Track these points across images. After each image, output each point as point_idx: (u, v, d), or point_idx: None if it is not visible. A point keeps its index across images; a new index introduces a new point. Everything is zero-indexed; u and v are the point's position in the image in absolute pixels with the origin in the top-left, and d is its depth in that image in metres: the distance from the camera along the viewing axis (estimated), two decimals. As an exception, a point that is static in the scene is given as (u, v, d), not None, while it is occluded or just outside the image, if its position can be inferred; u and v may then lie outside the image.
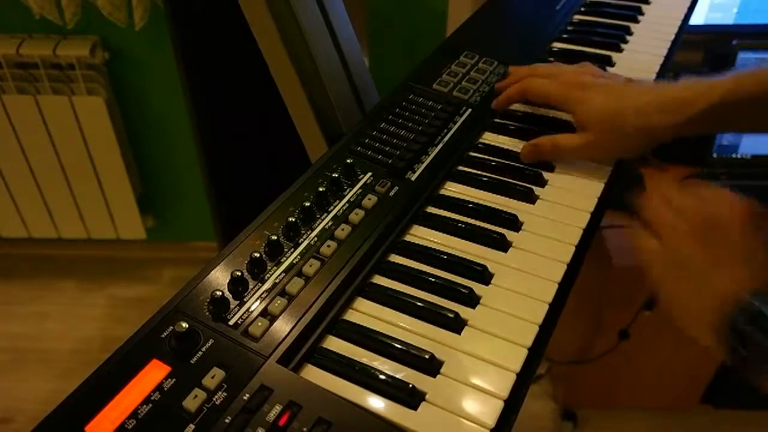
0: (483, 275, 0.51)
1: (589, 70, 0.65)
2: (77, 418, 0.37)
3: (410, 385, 0.41)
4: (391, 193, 0.56)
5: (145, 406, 0.38)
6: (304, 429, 0.37)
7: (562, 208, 0.58)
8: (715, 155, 1.34)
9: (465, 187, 0.60)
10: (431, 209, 0.57)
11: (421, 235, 0.55)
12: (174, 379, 0.40)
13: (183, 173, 1.73)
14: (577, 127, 0.62)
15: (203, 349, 0.42)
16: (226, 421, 0.38)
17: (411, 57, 1.49)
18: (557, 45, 0.81)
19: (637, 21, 0.86)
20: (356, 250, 0.50)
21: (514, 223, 0.56)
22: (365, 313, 0.48)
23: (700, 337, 0.45)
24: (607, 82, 0.62)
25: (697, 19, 1.30)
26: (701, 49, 1.34)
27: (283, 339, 0.43)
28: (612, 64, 0.78)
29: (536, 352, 0.45)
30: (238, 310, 0.45)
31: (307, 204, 0.52)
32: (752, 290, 0.42)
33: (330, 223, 0.52)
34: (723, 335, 0.42)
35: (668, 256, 0.49)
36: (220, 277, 0.47)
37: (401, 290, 0.49)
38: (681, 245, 0.48)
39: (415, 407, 0.41)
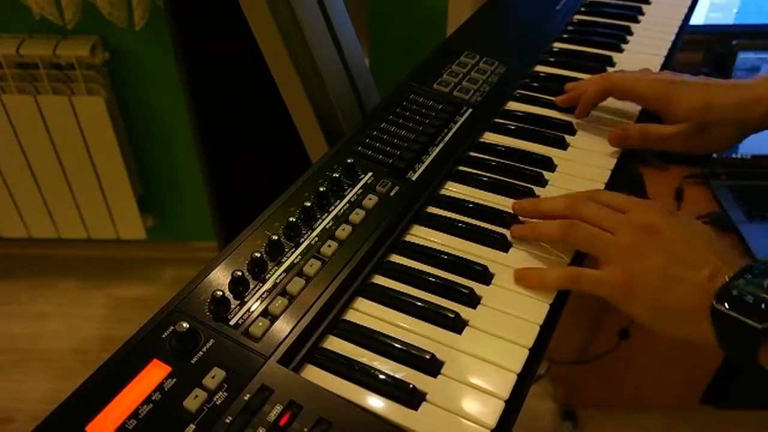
0: (484, 275, 0.51)
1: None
2: (78, 418, 0.37)
3: (411, 386, 0.41)
4: (392, 193, 0.56)
5: (145, 406, 0.38)
6: (305, 429, 0.37)
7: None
8: (715, 155, 1.34)
9: (465, 187, 0.60)
10: (432, 209, 0.57)
11: (421, 235, 0.55)
12: (174, 379, 0.40)
13: (183, 173, 1.72)
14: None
15: (204, 349, 0.42)
16: (227, 421, 0.38)
17: (411, 57, 1.48)
18: (557, 45, 0.81)
19: (637, 21, 0.86)
20: (357, 250, 0.50)
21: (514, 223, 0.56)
22: (366, 313, 0.48)
23: (694, 332, 0.44)
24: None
25: (697, 19, 1.30)
26: (701, 49, 1.34)
27: (284, 339, 0.43)
28: (612, 65, 0.78)
29: (537, 352, 0.45)
30: (239, 310, 0.45)
31: (308, 204, 0.52)
32: (730, 278, 0.43)
33: (330, 223, 0.52)
34: (715, 324, 0.43)
35: (625, 248, 0.48)
36: (220, 277, 0.47)
37: (402, 290, 0.49)
38: (635, 237, 0.48)
39: (415, 407, 0.41)
